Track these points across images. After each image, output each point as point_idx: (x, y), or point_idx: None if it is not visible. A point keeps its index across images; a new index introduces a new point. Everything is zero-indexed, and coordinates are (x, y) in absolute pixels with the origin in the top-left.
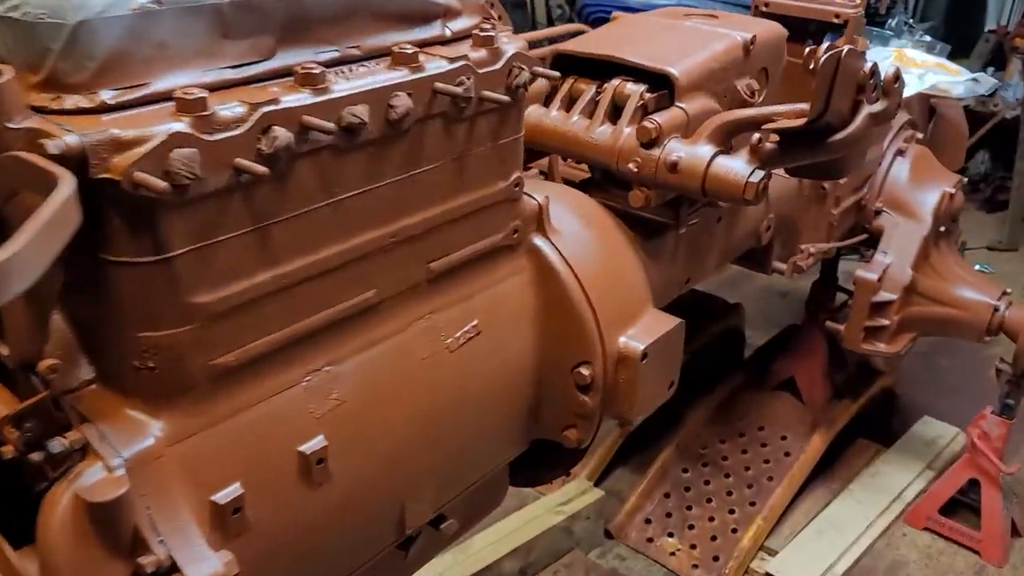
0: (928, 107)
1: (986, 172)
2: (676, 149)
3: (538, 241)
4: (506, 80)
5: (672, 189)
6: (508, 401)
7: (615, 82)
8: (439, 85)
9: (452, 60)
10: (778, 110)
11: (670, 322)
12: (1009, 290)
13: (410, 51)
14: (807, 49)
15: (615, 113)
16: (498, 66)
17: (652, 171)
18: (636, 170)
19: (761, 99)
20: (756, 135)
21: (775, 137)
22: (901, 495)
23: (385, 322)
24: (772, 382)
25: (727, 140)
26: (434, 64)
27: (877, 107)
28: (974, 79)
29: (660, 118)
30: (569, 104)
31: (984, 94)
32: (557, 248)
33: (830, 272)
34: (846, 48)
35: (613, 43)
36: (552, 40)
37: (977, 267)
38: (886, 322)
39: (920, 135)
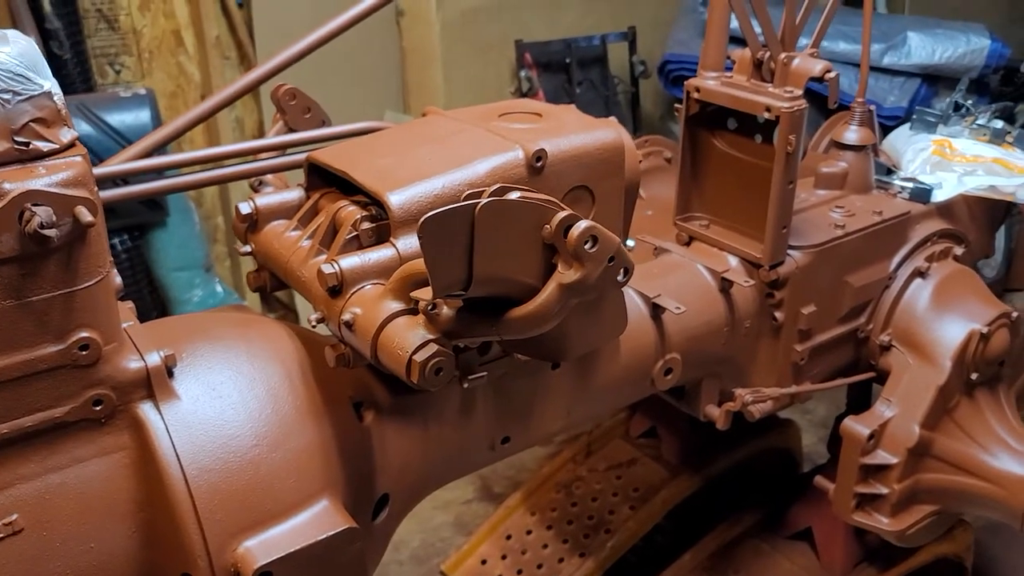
0: (1005, 211)
1: None
2: (358, 302)
3: (146, 413)
4: (17, 226)
5: (357, 352)
6: None
7: (339, 204)
8: None
9: None
10: None
11: (331, 526)
12: None
13: None
14: None
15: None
16: None
17: (336, 325)
18: (323, 320)
19: None
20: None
21: (456, 301)
22: None
23: None
24: (787, 531)
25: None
26: None
27: (570, 276)
28: None
29: (352, 260)
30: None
31: None
32: (167, 424)
33: (860, 402)
34: (488, 199)
35: (361, 152)
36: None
37: None
38: (885, 490)
39: (961, 250)
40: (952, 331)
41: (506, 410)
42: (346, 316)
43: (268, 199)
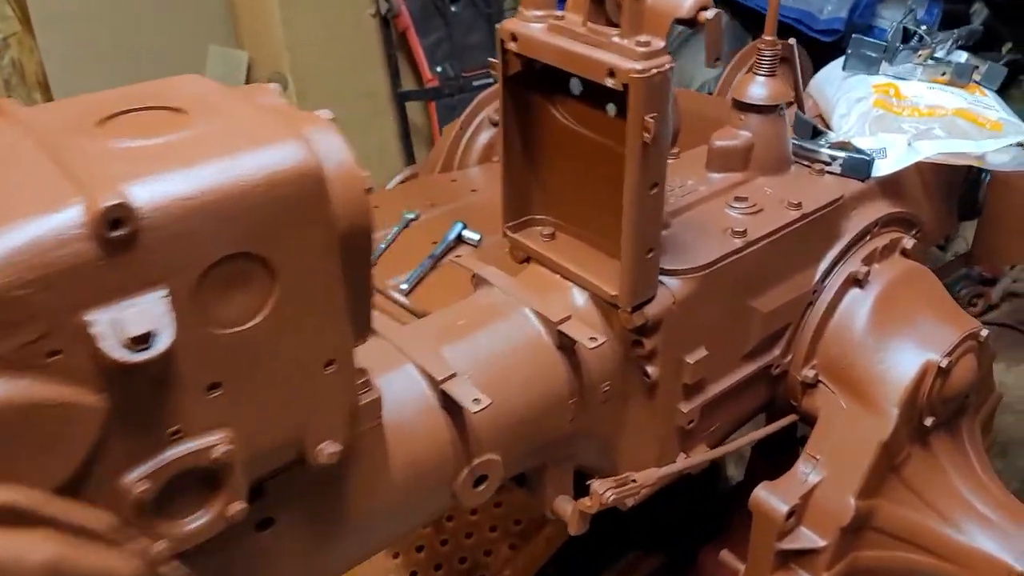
0: (967, 172)
1: None
2: None
3: None
4: None
5: None
6: None
7: None
8: None
9: None
10: None
11: None
12: None
13: None
14: None
15: None
16: None
17: None
18: None
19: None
20: None
21: None
22: None
23: None
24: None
25: None
26: None
27: None
28: (1021, 147)
29: None
30: None
31: None
32: None
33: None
34: None
35: None
36: None
37: None
38: None
39: (911, 241)
40: (900, 363)
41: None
42: None
43: None
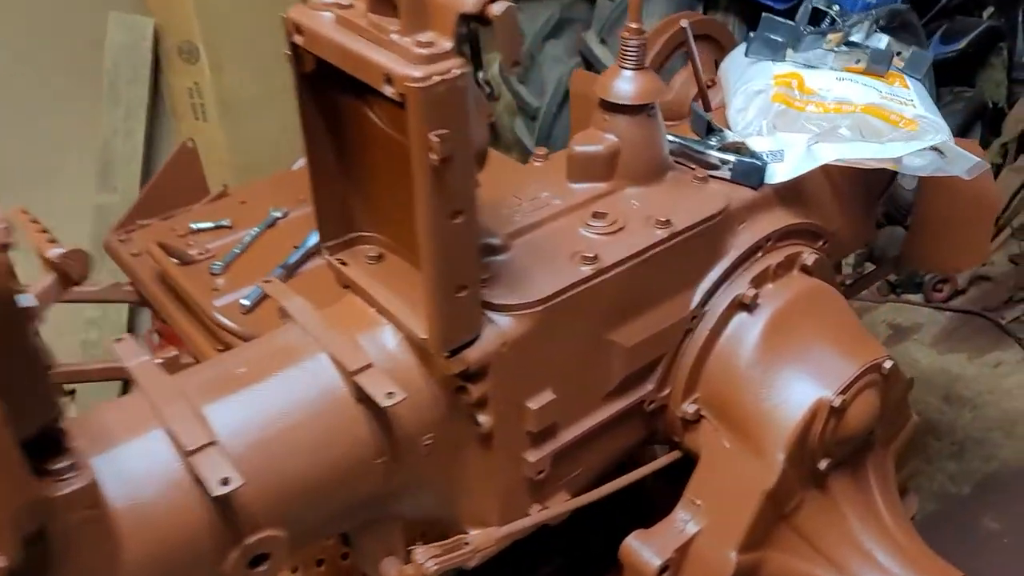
0: (891, 176)
1: None
2: None
3: None
4: None
5: None
6: None
7: None
8: None
9: None
10: None
11: None
12: None
13: None
14: None
15: None
16: None
17: None
18: None
19: None
20: None
21: None
22: None
23: None
24: None
25: None
26: None
27: None
28: (938, 152)
29: None
30: None
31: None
32: None
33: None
34: None
35: None
36: None
37: None
38: None
39: (812, 256)
40: (788, 401)
41: None
42: None
43: None
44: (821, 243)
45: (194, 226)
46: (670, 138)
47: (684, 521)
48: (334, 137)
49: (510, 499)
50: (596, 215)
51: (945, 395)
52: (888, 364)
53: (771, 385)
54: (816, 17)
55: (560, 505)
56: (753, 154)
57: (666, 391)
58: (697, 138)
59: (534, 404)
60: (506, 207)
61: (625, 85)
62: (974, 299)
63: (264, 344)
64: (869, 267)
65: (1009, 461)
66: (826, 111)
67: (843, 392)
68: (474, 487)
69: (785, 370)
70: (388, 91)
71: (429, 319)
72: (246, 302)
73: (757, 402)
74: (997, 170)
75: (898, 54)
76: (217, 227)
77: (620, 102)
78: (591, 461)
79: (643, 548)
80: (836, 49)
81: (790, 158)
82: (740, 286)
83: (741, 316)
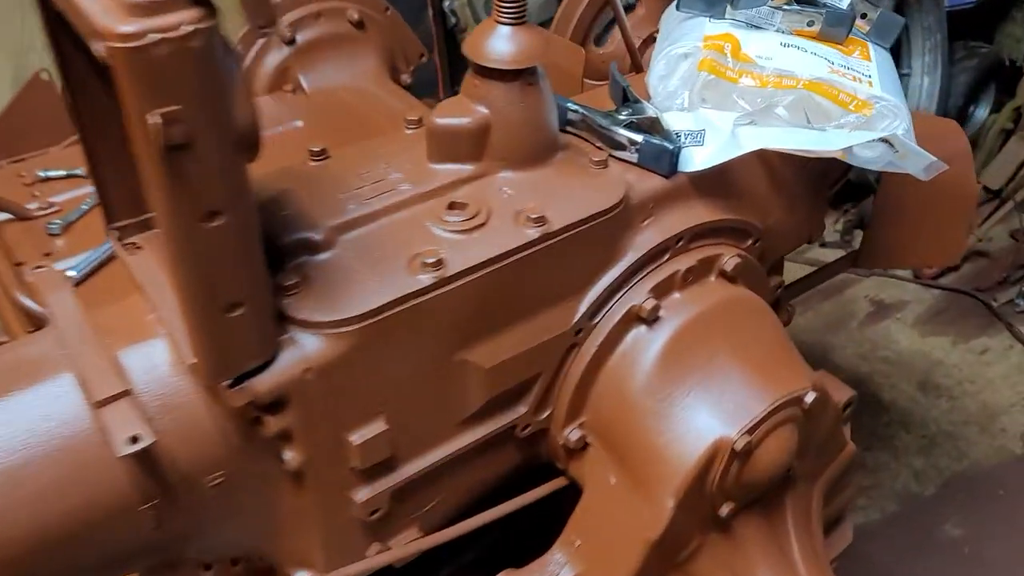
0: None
1: None
2: None
3: None
4: None
5: None
6: None
7: None
8: None
9: None
10: None
11: None
12: None
13: None
14: None
15: None
16: None
17: None
18: None
19: None
20: None
21: None
22: None
23: None
24: None
25: None
26: None
27: None
28: (888, 143)
29: None
30: None
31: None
32: None
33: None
34: None
35: None
36: None
37: None
38: None
39: (734, 259)
40: (684, 438)
41: None
42: None
43: None
44: (750, 242)
45: (42, 174)
46: (574, 108)
47: (559, 564)
48: (108, 92)
49: (338, 541)
50: (453, 206)
51: (922, 382)
52: (810, 397)
53: (666, 416)
54: None
55: (407, 546)
56: (667, 135)
57: (544, 414)
58: (608, 109)
59: (358, 438)
60: (343, 190)
61: (499, 44)
62: (967, 277)
63: (7, 353)
64: (859, 236)
65: (981, 460)
66: (763, 85)
67: (749, 432)
68: (291, 528)
69: (685, 399)
70: (97, 50)
71: (192, 343)
72: (73, 272)
73: (649, 435)
74: (1006, 136)
75: (863, 16)
76: (69, 175)
77: (492, 65)
78: (449, 494)
79: None
80: (786, 7)
81: (711, 142)
82: (636, 295)
83: (639, 330)
